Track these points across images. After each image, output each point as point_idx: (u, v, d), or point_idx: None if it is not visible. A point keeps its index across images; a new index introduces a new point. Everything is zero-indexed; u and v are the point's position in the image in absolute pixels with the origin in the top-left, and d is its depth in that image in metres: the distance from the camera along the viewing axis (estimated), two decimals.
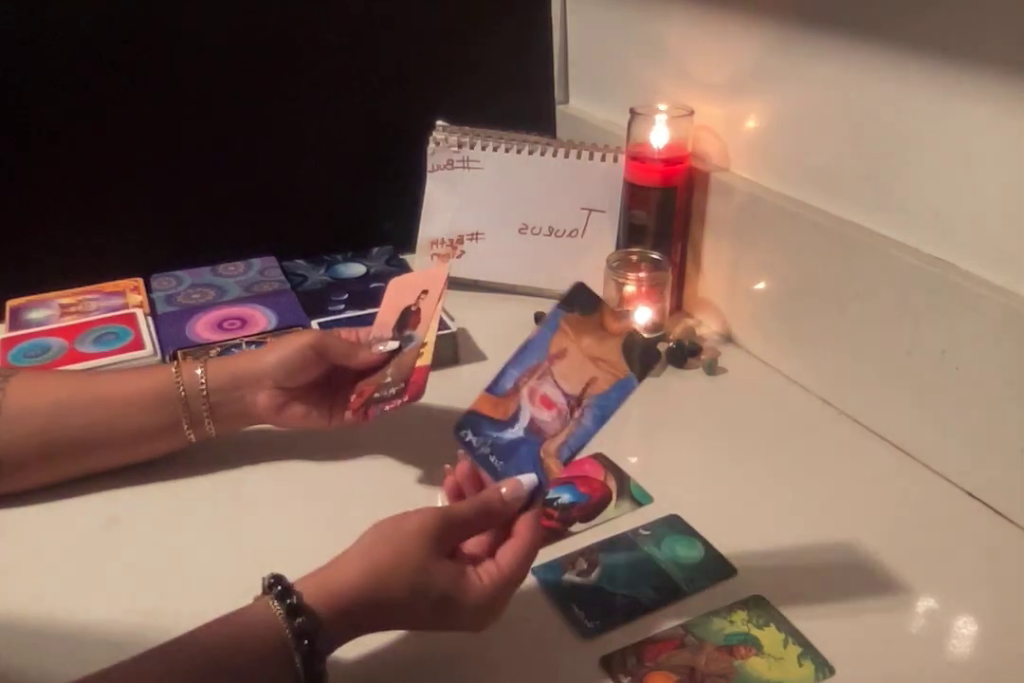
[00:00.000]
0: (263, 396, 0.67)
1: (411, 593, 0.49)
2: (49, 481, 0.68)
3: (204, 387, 0.67)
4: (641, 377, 0.54)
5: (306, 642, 0.46)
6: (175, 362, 0.69)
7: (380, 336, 0.71)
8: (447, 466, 0.57)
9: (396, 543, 0.50)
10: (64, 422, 0.65)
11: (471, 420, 0.55)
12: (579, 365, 0.55)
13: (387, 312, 0.73)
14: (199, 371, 0.67)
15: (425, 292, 0.72)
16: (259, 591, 0.49)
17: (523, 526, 0.52)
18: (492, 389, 0.55)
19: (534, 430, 0.55)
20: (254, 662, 0.47)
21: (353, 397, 0.69)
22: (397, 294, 0.74)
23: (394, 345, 0.69)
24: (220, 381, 0.67)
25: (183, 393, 0.66)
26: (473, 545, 0.54)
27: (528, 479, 0.53)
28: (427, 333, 0.68)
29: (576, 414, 0.54)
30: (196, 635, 0.46)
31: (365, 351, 0.69)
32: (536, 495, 0.53)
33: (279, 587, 0.48)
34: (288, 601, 0.47)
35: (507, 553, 0.51)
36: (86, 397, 0.67)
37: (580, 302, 0.56)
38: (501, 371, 0.56)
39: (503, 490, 0.53)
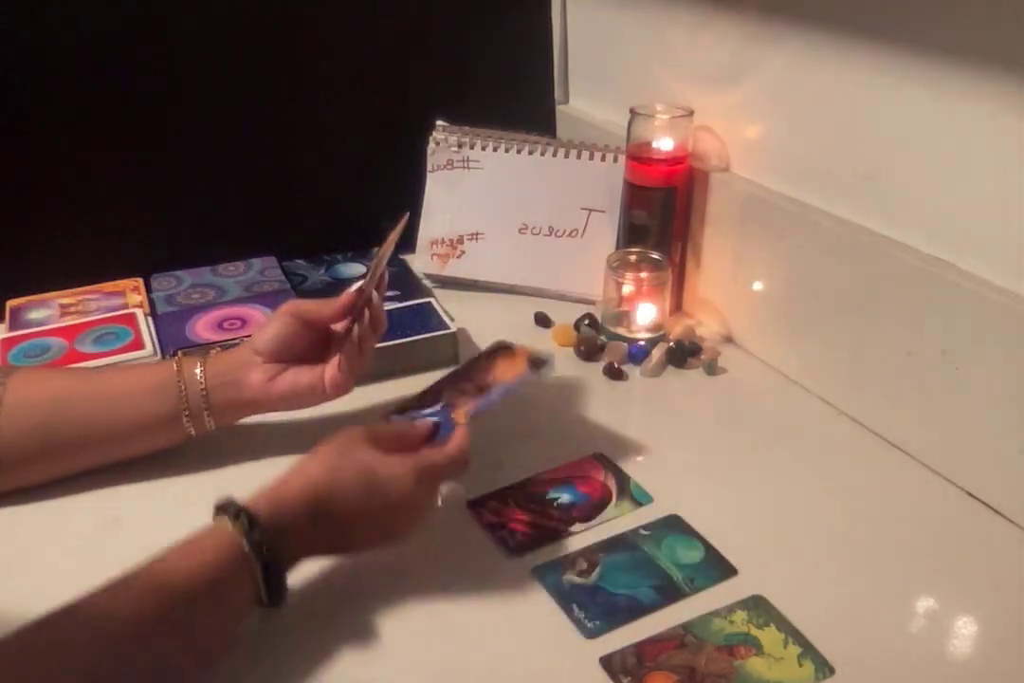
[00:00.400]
0: (255, 373, 0.68)
1: (334, 466, 0.57)
2: (50, 476, 0.68)
3: (203, 380, 0.68)
4: (534, 370, 0.69)
5: (265, 550, 0.52)
6: (176, 357, 0.70)
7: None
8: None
9: (325, 451, 0.59)
10: (65, 415, 0.66)
11: (399, 410, 0.68)
12: (491, 372, 0.71)
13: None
14: (198, 370, 0.68)
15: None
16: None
17: (455, 435, 0.62)
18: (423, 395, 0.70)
19: (449, 406, 0.67)
20: (215, 583, 0.51)
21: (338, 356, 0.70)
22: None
23: (359, 284, 0.69)
24: (216, 370, 0.68)
25: (182, 385, 0.67)
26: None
27: (433, 418, 0.66)
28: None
29: (484, 392, 0.68)
30: (158, 565, 0.51)
31: (335, 300, 0.69)
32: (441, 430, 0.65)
33: (232, 507, 0.53)
34: (241, 517, 0.52)
35: (428, 450, 0.61)
36: (86, 390, 0.67)
37: (496, 352, 0.72)
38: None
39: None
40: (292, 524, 0.54)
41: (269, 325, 0.69)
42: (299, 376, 0.68)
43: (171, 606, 0.49)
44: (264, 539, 0.52)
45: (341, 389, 0.69)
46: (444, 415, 0.67)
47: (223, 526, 0.53)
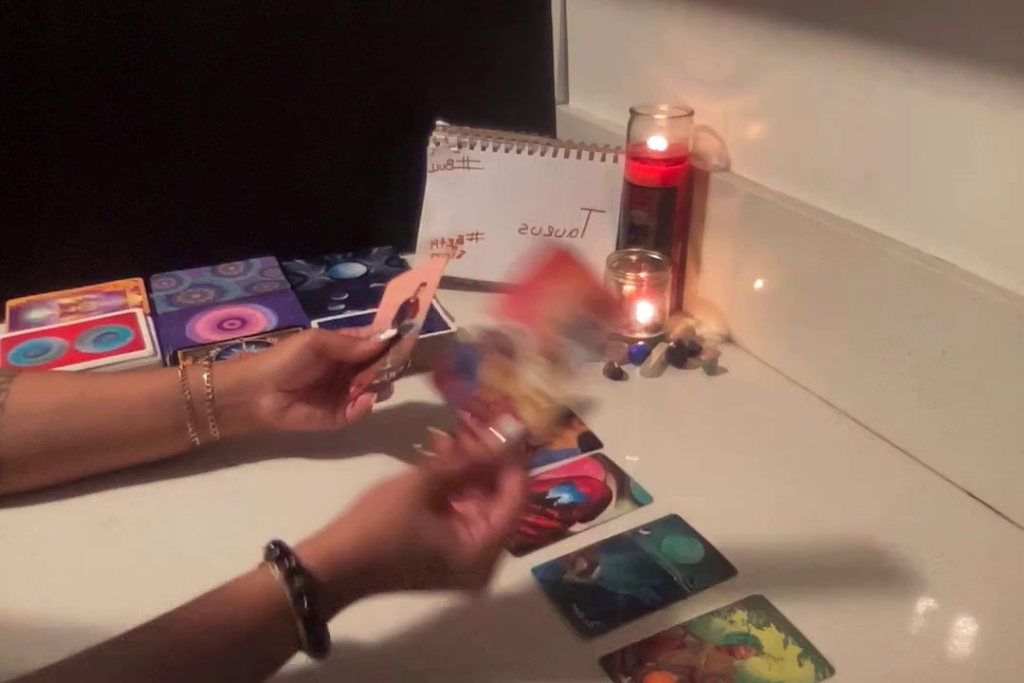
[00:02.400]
0: (266, 400, 0.68)
1: (402, 552, 0.50)
2: (51, 481, 0.68)
3: (210, 392, 0.67)
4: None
5: (306, 603, 0.47)
6: (180, 366, 0.69)
7: (379, 331, 0.71)
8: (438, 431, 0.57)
9: (385, 506, 0.51)
10: (68, 422, 0.65)
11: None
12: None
13: (385, 310, 0.73)
14: (205, 376, 0.67)
15: (424, 284, 0.72)
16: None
17: (511, 483, 0.53)
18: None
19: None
20: (254, 629, 0.47)
21: (352, 388, 0.69)
22: (395, 292, 0.74)
23: (392, 333, 0.69)
24: (225, 386, 0.67)
25: (188, 397, 0.67)
26: (463, 504, 0.54)
27: (512, 427, 0.56)
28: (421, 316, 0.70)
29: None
30: (196, 605, 0.47)
31: (363, 343, 0.69)
32: (520, 441, 0.56)
33: (278, 552, 0.48)
34: (287, 564, 0.47)
35: (496, 511, 0.52)
36: (90, 398, 0.67)
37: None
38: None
39: (488, 438, 0.55)
40: (343, 580, 0.49)
41: (285, 351, 0.68)
42: (312, 413, 0.68)
43: (204, 654, 0.46)
44: (309, 589, 0.47)
45: (352, 422, 0.69)
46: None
47: (267, 571, 0.48)
